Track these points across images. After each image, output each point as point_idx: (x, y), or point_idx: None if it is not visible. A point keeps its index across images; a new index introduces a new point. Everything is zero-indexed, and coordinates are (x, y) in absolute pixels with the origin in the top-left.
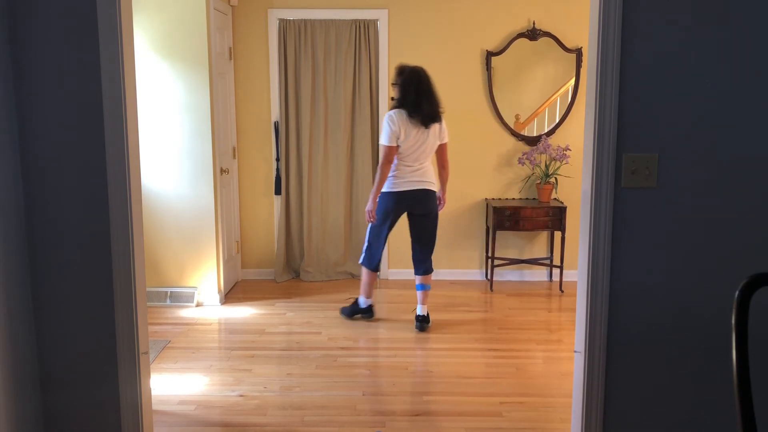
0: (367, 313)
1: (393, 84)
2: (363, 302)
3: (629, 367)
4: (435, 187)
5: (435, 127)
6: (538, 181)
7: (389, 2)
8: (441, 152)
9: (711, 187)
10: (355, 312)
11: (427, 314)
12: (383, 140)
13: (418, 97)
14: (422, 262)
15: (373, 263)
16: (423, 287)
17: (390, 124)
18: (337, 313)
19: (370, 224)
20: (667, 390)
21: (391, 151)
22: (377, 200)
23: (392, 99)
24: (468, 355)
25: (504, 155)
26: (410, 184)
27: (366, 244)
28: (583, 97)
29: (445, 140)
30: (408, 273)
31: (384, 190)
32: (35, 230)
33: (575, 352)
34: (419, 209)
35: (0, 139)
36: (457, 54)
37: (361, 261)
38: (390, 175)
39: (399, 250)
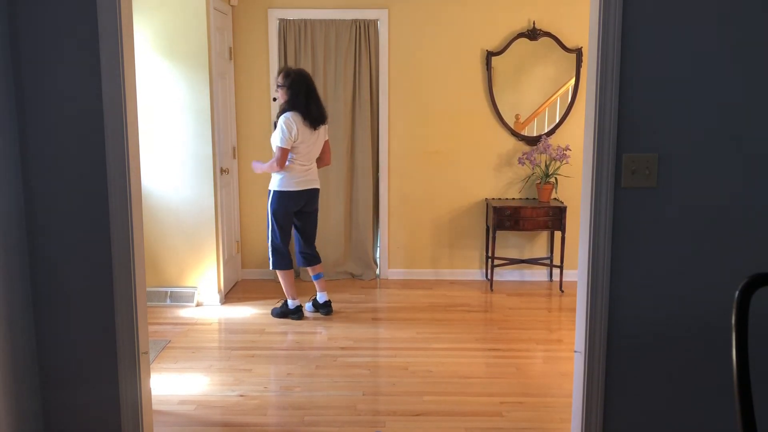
0: (296, 314)
1: (279, 86)
2: (291, 304)
3: (629, 367)
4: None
5: (322, 127)
6: (538, 181)
7: (389, 2)
8: (325, 147)
9: (711, 187)
10: (284, 314)
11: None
12: (280, 142)
13: (308, 100)
14: (311, 254)
15: (285, 263)
16: (320, 275)
17: (287, 126)
18: (338, 313)
19: (271, 229)
20: (667, 390)
21: (286, 153)
22: (276, 202)
23: (274, 100)
24: (468, 355)
25: (504, 155)
26: (305, 183)
27: (270, 249)
28: (583, 97)
29: (326, 137)
30: (408, 273)
31: (283, 189)
32: (35, 230)
33: (575, 352)
34: (310, 206)
35: (0, 139)
36: (457, 54)
37: (272, 267)
38: (284, 174)
39: (399, 250)
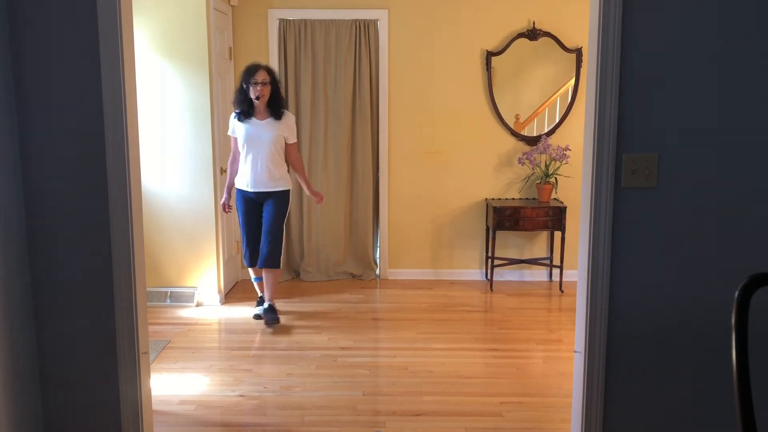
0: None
1: (265, 84)
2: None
3: (629, 367)
4: None
5: None
6: (538, 181)
7: (389, 2)
8: None
9: (711, 187)
10: (277, 317)
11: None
12: (296, 138)
13: None
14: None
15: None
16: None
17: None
18: (337, 313)
19: (280, 225)
20: (667, 390)
21: None
22: (289, 200)
23: (257, 99)
24: (468, 355)
25: (504, 155)
26: None
27: (279, 245)
28: (583, 97)
29: None
30: (408, 273)
31: (289, 188)
32: (36, 230)
33: (575, 352)
34: None
35: (0, 139)
36: (457, 54)
37: (277, 264)
38: (288, 170)
39: (399, 249)
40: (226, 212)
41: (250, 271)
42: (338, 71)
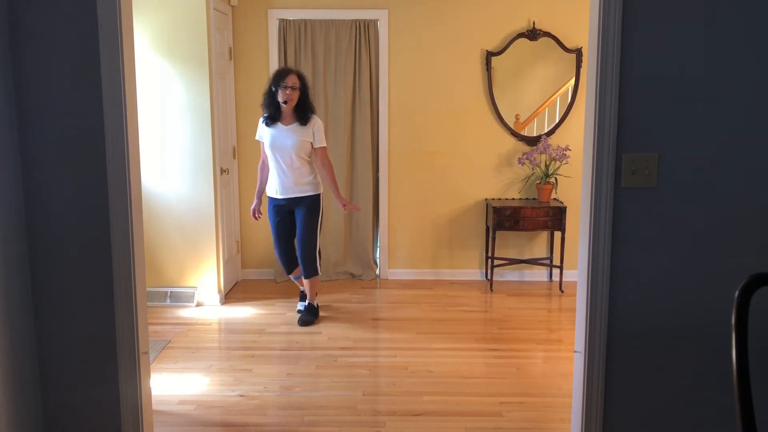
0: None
1: (294, 88)
2: (316, 305)
3: (629, 367)
4: None
5: None
6: (538, 181)
7: (389, 2)
8: None
9: (711, 187)
10: (314, 318)
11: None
12: (325, 142)
13: None
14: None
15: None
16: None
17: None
18: (338, 314)
19: (312, 231)
20: (667, 390)
21: None
22: (321, 203)
23: (285, 103)
24: (468, 355)
25: (504, 155)
26: None
27: (314, 252)
28: (583, 97)
29: None
30: (408, 273)
31: (318, 192)
32: (36, 230)
33: (575, 352)
34: None
35: (0, 139)
36: (457, 54)
37: (316, 272)
38: (316, 175)
39: (399, 250)
40: (256, 218)
41: None
42: (338, 71)
